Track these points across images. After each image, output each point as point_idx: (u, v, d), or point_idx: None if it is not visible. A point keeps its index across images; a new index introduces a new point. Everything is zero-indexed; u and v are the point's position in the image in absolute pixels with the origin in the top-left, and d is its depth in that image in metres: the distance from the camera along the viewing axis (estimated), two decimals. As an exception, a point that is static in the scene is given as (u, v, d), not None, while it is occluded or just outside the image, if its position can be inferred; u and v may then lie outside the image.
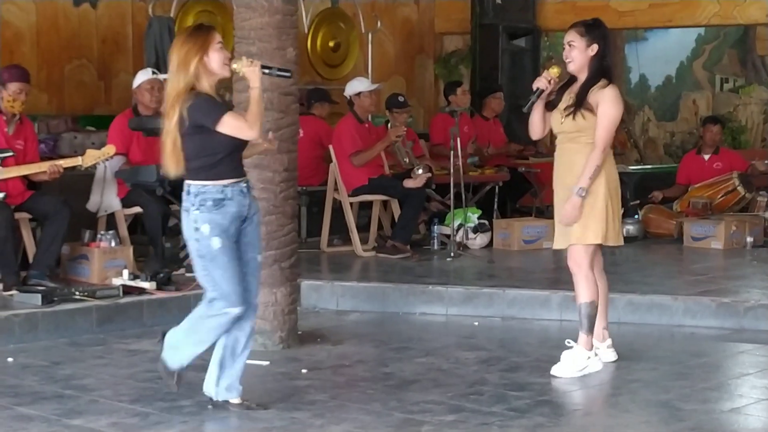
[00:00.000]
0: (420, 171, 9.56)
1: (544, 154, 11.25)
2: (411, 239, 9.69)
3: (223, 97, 5.43)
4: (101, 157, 7.70)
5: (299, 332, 6.77)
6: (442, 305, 7.84)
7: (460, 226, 9.80)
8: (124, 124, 8.31)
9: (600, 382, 5.88)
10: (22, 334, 6.72)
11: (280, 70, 5.42)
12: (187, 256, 8.23)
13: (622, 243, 6.07)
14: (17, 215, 7.67)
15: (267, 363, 6.10)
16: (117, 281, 7.55)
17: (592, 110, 5.80)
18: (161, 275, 7.58)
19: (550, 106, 5.97)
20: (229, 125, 4.95)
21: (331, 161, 9.71)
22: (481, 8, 12.78)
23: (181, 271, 8.10)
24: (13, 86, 7.67)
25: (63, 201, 7.68)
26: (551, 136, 6.23)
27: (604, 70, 5.88)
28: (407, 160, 9.92)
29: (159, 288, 7.51)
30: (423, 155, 10.59)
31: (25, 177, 7.72)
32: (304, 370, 6.01)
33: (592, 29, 5.89)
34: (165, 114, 5.01)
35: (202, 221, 4.97)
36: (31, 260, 7.68)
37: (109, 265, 7.82)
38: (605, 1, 12.84)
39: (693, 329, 7.31)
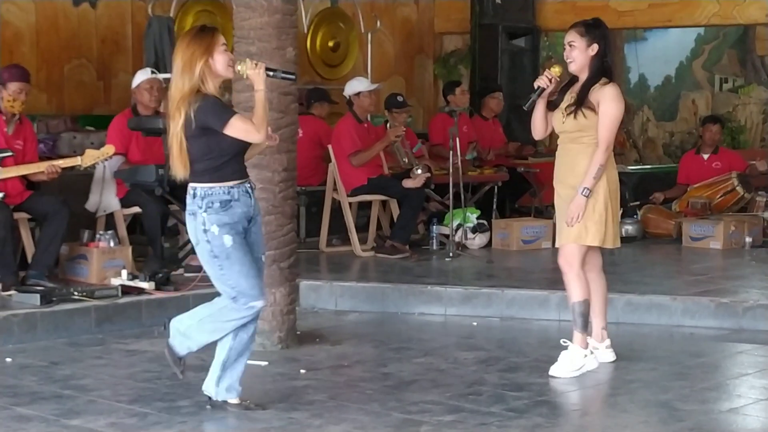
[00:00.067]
0: (419, 171, 9.57)
1: (543, 154, 11.25)
2: (410, 239, 9.69)
3: (221, 98, 5.42)
4: (100, 157, 7.70)
5: (298, 332, 6.77)
6: (440, 305, 7.84)
7: (459, 226, 9.80)
8: (123, 123, 8.31)
9: (599, 382, 5.88)
10: (21, 334, 6.72)
11: (284, 72, 5.44)
12: (186, 256, 8.25)
13: (619, 245, 6.08)
14: (16, 215, 7.67)
15: (265, 363, 6.10)
16: (116, 281, 7.55)
17: (593, 109, 5.82)
18: (160, 275, 7.58)
19: (551, 106, 5.99)
20: (237, 128, 4.96)
21: (330, 161, 9.72)
22: (480, 8, 12.78)
23: (180, 271, 8.10)
24: (13, 86, 7.67)
25: (62, 201, 7.68)
26: (551, 136, 6.24)
27: (604, 69, 5.91)
28: (406, 160, 9.92)
29: (158, 288, 7.50)
30: (422, 155, 10.59)
31: (24, 177, 7.72)
32: (302, 371, 6.01)
33: (592, 29, 5.91)
34: (169, 116, 5.01)
35: (210, 222, 4.98)
36: (29, 260, 7.68)
37: (108, 265, 7.82)
38: (605, 1, 12.83)
39: (692, 329, 7.31)
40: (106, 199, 8.35)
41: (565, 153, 5.98)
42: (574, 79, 5.99)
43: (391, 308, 7.87)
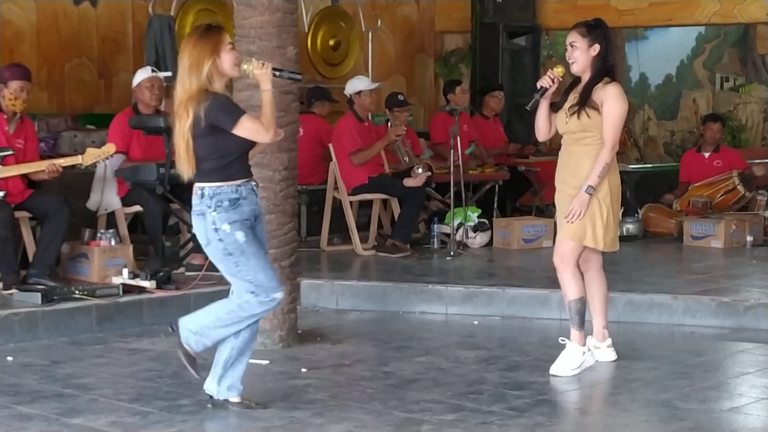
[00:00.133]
0: (420, 170, 9.56)
1: (544, 153, 11.24)
2: (411, 238, 9.69)
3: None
4: (101, 156, 7.70)
5: (299, 331, 6.77)
6: (441, 304, 7.84)
7: (460, 225, 9.80)
8: (124, 122, 8.31)
9: (600, 381, 5.88)
10: (22, 333, 6.72)
11: (291, 72, 5.44)
12: (187, 255, 8.26)
13: (617, 248, 6.09)
14: (17, 214, 7.67)
15: (266, 362, 6.10)
16: (117, 280, 7.55)
17: (596, 108, 5.83)
18: (161, 274, 7.58)
19: (554, 107, 6.00)
20: (247, 128, 4.97)
21: (331, 160, 9.72)
22: (481, 7, 12.78)
23: (181, 269, 8.10)
24: (15, 84, 7.67)
25: (63, 200, 7.67)
26: (553, 136, 6.24)
27: (607, 69, 5.92)
28: (407, 159, 9.92)
29: (159, 287, 7.50)
30: (422, 154, 10.58)
31: (25, 176, 7.72)
32: (303, 369, 6.02)
33: (594, 29, 5.92)
34: (176, 116, 4.99)
35: (221, 221, 4.99)
36: (30, 259, 7.68)
37: (109, 263, 7.82)
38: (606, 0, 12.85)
39: (693, 328, 7.31)
40: (107, 197, 8.35)
41: (568, 155, 5.98)
42: (577, 80, 6.01)
43: (392, 307, 7.87)
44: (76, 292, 7.17)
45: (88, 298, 7.12)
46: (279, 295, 5.08)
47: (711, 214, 10.46)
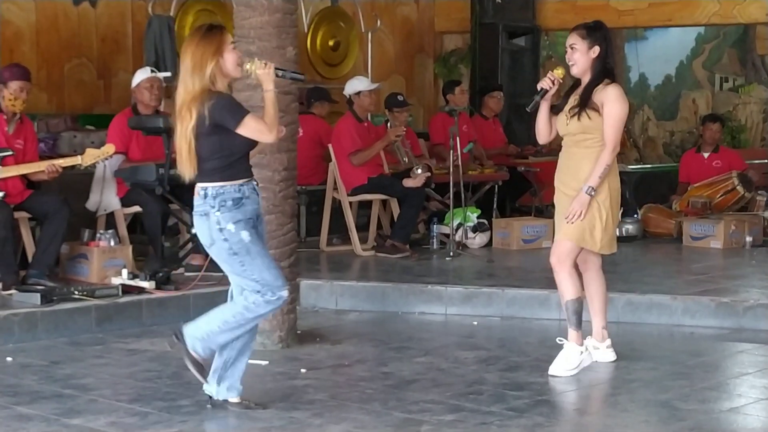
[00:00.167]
0: (419, 170, 9.56)
1: (543, 154, 11.25)
2: (410, 238, 9.69)
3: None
4: (101, 156, 7.70)
5: (298, 332, 6.77)
6: (441, 305, 7.84)
7: (460, 225, 9.80)
8: (124, 123, 8.31)
9: (599, 381, 5.88)
10: (22, 333, 6.72)
11: (293, 72, 5.44)
12: (186, 255, 8.26)
13: (614, 251, 6.10)
14: (16, 214, 7.67)
15: (266, 362, 6.10)
16: (116, 280, 7.55)
17: (597, 110, 5.84)
18: (160, 274, 7.58)
19: (555, 110, 6.01)
20: (250, 128, 4.97)
21: (330, 160, 9.72)
22: (480, 7, 12.78)
23: (181, 270, 8.10)
24: (14, 85, 7.67)
25: (62, 200, 7.67)
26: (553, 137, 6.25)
27: (607, 71, 5.94)
28: (406, 160, 9.92)
29: (158, 287, 7.50)
30: (422, 155, 10.59)
31: (24, 176, 7.72)
32: (303, 370, 6.01)
33: (594, 31, 5.94)
34: (178, 117, 4.98)
35: (225, 221, 4.98)
36: (30, 259, 7.68)
37: (109, 264, 7.82)
38: (605, 0, 12.84)
39: (692, 329, 7.31)
40: (106, 198, 8.35)
41: (569, 157, 5.99)
42: (577, 82, 6.02)
43: (392, 307, 7.87)
44: (76, 292, 7.16)
45: (88, 298, 7.12)
46: (285, 293, 5.09)
47: (710, 215, 10.46)
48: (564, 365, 5.87)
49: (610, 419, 5.22)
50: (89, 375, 5.92)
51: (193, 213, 5.11)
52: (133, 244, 8.21)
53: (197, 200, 5.05)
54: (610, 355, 6.17)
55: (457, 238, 9.71)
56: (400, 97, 10.39)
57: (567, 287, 5.93)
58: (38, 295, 6.97)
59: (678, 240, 10.27)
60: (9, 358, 6.27)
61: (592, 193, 5.81)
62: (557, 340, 5.99)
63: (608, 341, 6.19)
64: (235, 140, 4.99)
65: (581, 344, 5.95)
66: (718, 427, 5.05)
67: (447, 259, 9.30)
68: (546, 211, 10.93)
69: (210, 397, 5.18)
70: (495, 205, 10.94)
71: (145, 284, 7.50)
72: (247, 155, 5.12)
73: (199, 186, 5.05)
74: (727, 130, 15.78)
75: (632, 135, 17.20)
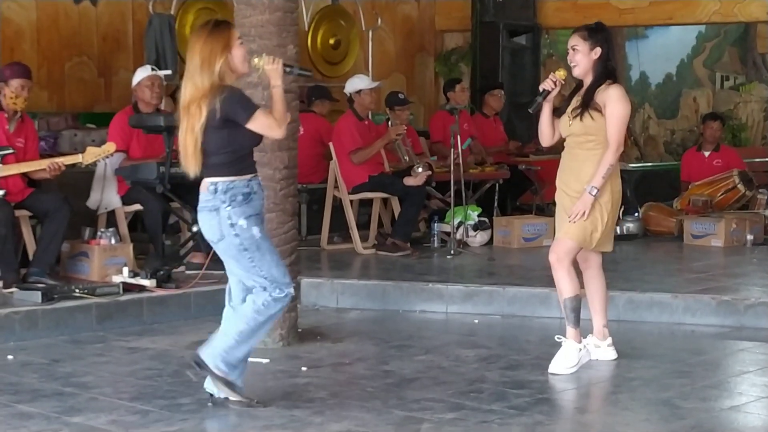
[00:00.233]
0: (420, 169, 9.56)
1: (544, 152, 11.24)
2: (411, 237, 9.69)
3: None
4: (101, 155, 7.70)
5: (299, 330, 6.77)
6: (442, 303, 7.84)
7: (460, 223, 9.80)
8: (124, 121, 8.31)
9: (600, 380, 5.88)
10: (22, 331, 6.72)
11: (301, 68, 5.45)
12: (187, 253, 8.26)
13: (611, 249, 6.10)
14: (17, 213, 7.67)
15: (267, 360, 6.10)
16: (117, 279, 7.56)
17: (599, 110, 5.86)
18: (161, 273, 7.58)
19: (558, 113, 6.02)
20: (261, 123, 4.96)
21: (331, 159, 9.72)
22: (481, 6, 12.78)
23: (181, 268, 8.10)
24: (15, 82, 7.67)
25: (63, 198, 7.67)
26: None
27: (608, 72, 5.95)
28: (407, 158, 9.92)
29: (159, 285, 7.50)
30: (423, 153, 10.59)
31: (25, 174, 7.72)
32: (303, 368, 6.01)
33: (595, 33, 5.95)
34: (185, 113, 4.95)
35: (237, 216, 4.96)
36: (31, 258, 7.68)
37: (109, 262, 7.82)
38: (606, -2, 12.88)
39: (693, 327, 7.31)
40: (107, 196, 8.35)
41: (571, 158, 5.99)
42: (579, 84, 6.04)
43: (393, 306, 7.88)
44: (77, 290, 7.17)
45: (89, 296, 7.12)
46: (292, 290, 5.10)
47: (711, 213, 10.46)
48: (563, 363, 5.88)
49: (611, 417, 5.22)
50: (90, 373, 5.92)
51: (199, 208, 5.06)
52: (133, 243, 8.21)
53: (205, 195, 5.01)
54: (610, 354, 6.17)
55: (458, 236, 9.70)
56: (400, 96, 10.39)
57: (565, 285, 5.94)
58: (39, 293, 6.98)
59: (679, 238, 10.27)
60: (10, 356, 6.27)
61: (595, 193, 5.81)
62: (556, 338, 6.00)
63: (609, 339, 6.19)
64: (243, 135, 4.97)
65: (580, 342, 5.96)
66: (718, 426, 5.05)
67: (448, 257, 9.30)
68: (547, 209, 10.92)
69: (211, 395, 5.17)
70: (496, 204, 10.93)
71: (145, 282, 7.50)
72: (252, 150, 5.11)
73: (208, 181, 5.01)
74: (728, 128, 15.77)
75: (633, 133, 17.19)
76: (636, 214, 10.63)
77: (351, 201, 9.68)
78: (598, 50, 5.91)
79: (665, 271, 8.89)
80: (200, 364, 5.09)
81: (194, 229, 7.87)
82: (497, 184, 10.97)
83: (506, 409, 5.17)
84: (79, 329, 6.92)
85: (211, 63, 4.94)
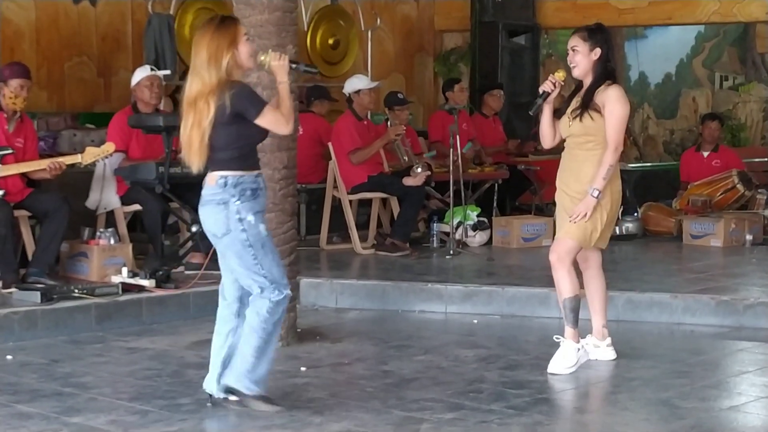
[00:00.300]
0: (419, 169, 9.56)
1: (543, 152, 11.25)
2: (410, 237, 9.69)
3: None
4: (101, 155, 7.70)
5: (298, 330, 6.77)
6: (441, 303, 7.84)
7: (460, 223, 9.80)
8: (124, 121, 8.30)
9: (599, 380, 5.88)
10: (22, 331, 6.72)
11: (307, 65, 5.45)
12: (186, 253, 8.25)
13: (605, 246, 6.11)
14: (16, 213, 7.66)
15: (266, 361, 6.09)
16: (116, 279, 7.55)
17: (599, 111, 5.86)
18: (160, 273, 7.58)
19: (558, 114, 6.02)
20: (270, 119, 4.95)
21: (330, 159, 9.72)
22: (480, 6, 12.78)
23: (181, 268, 8.10)
24: (15, 82, 7.66)
25: (62, 198, 7.67)
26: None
27: (608, 72, 5.96)
28: (406, 158, 9.92)
29: (158, 286, 7.50)
30: (422, 153, 10.59)
31: (24, 175, 7.72)
32: (303, 368, 6.01)
33: (595, 34, 5.96)
34: (191, 108, 4.92)
35: (245, 211, 4.94)
36: (30, 258, 7.68)
37: (109, 262, 7.82)
38: (605, -2, 12.88)
39: (692, 327, 7.31)
40: (106, 196, 8.35)
41: (571, 159, 5.99)
42: (579, 85, 6.04)
43: (392, 306, 7.87)
44: (76, 290, 7.16)
45: (88, 296, 7.12)
46: (289, 291, 5.10)
47: (710, 213, 10.46)
48: (562, 363, 5.88)
49: (610, 417, 5.22)
50: (89, 373, 5.92)
51: (203, 201, 5.01)
52: (133, 243, 8.21)
53: (214, 189, 4.97)
54: (610, 354, 6.17)
55: (457, 236, 9.71)
56: (400, 96, 10.40)
57: (565, 285, 5.94)
58: (38, 293, 6.97)
59: (678, 238, 10.27)
60: (9, 357, 6.27)
61: (597, 194, 5.82)
62: (554, 338, 6.00)
63: (608, 339, 6.19)
64: (251, 130, 4.97)
65: (578, 341, 5.97)
66: (718, 426, 5.05)
67: (447, 257, 9.30)
68: (546, 209, 10.93)
69: (210, 395, 5.17)
70: (495, 204, 10.93)
71: (145, 282, 7.50)
72: (256, 148, 5.11)
73: (217, 174, 4.97)
74: (727, 128, 15.77)
75: (632, 133, 17.20)
76: (635, 214, 10.63)
77: (350, 201, 9.68)
78: (598, 51, 5.92)
79: (664, 271, 8.88)
80: (232, 392, 5.08)
81: (193, 229, 7.87)
82: (496, 184, 10.97)
83: (505, 409, 5.17)
84: (79, 329, 6.92)
85: (218, 58, 4.92)
